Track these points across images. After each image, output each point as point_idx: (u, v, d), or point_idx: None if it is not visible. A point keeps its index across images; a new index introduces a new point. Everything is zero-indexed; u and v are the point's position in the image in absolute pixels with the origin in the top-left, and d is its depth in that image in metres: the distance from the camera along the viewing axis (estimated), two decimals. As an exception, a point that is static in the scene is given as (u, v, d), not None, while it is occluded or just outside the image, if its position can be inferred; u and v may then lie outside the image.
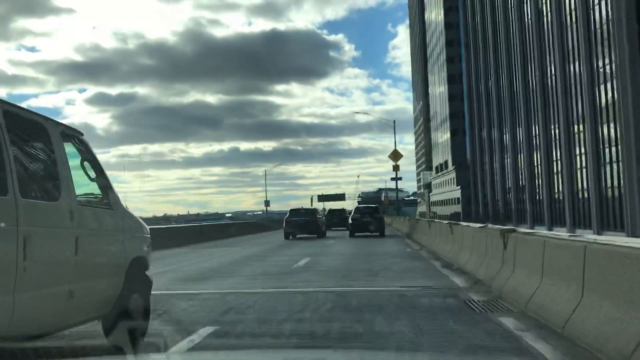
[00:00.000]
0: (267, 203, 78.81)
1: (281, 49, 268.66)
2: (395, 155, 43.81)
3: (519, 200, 58.89)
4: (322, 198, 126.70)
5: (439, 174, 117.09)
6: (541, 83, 50.06)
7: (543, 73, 49.62)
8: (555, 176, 47.78)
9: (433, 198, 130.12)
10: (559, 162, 46.80)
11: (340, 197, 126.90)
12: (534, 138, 53.21)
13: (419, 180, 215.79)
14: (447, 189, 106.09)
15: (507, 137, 61.69)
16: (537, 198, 52.75)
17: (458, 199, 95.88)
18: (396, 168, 44.17)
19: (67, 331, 5.56)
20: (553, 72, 47.00)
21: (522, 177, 57.16)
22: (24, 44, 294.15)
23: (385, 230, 31.66)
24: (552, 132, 48.14)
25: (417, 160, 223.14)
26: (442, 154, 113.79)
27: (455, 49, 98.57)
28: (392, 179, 47.71)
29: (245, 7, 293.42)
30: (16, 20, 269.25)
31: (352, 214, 32.93)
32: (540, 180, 51.42)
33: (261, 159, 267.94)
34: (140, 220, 6.57)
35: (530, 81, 53.71)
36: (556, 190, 48.10)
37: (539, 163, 51.78)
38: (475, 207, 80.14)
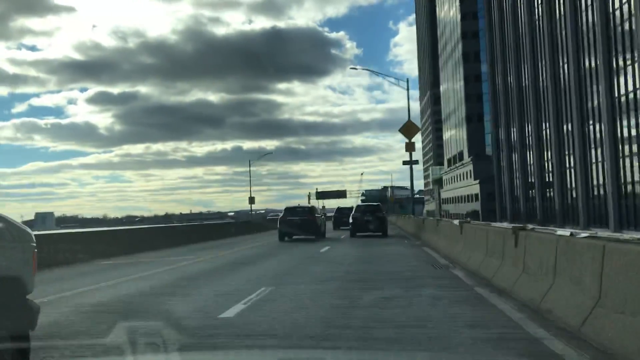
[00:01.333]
0: (251, 200, 66.59)
1: (282, 47, 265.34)
2: (409, 130, 31.52)
3: (565, 196, 46.49)
4: (321, 195, 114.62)
5: (452, 167, 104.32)
6: (607, 57, 37.64)
7: (608, 37, 37.21)
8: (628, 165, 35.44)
9: (444, 195, 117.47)
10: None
11: (341, 194, 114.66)
12: (589, 115, 40.74)
13: (426, 177, 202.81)
14: (462, 184, 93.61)
15: (549, 121, 49.11)
16: (595, 193, 40.37)
17: (476, 195, 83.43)
18: (410, 148, 31.86)
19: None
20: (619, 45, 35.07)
21: (571, 170, 44.72)
22: (24, 43, 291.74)
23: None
24: (618, 110, 35.87)
25: (424, 155, 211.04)
26: (455, 145, 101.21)
27: (471, 22, 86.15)
28: (405, 162, 34.96)
29: (246, 5, 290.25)
30: (16, 19, 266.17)
31: (352, 213, 30.71)
32: (602, 170, 39.04)
33: (264, 157, 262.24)
34: (17, 223, 4.71)
35: (585, 57, 41.34)
36: (624, 183, 35.83)
37: (598, 150, 39.45)
38: (501, 204, 67.65)
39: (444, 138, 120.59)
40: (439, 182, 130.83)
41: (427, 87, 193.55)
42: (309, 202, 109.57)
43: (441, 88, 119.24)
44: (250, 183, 65.34)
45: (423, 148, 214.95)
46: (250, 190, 67.15)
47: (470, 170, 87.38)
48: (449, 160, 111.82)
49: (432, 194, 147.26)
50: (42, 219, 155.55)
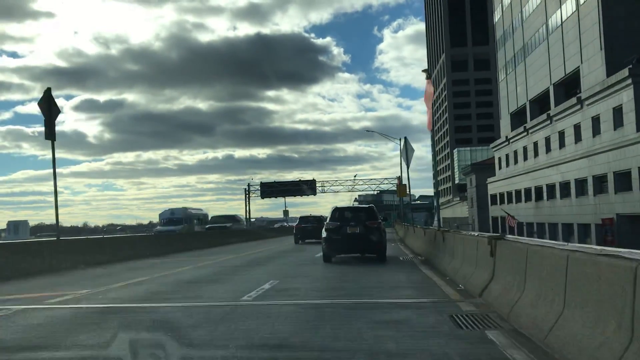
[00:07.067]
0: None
1: (269, 54, 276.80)
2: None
3: None
4: (267, 190, 60.98)
5: (537, 122, 49.62)
6: None
7: None
8: None
9: (495, 187, 63.50)
10: None
11: (305, 188, 61.24)
12: None
13: (437, 174, 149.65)
14: (579, 151, 39.83)
15: None
16: None
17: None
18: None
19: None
20: None
21: None
22: (5, 49, 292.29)
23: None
24: None
25: (436, 144, 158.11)
26: (545, 68, 47.24)
27: None
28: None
29: (229, 11, 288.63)
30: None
31: (327, 221, 20.13)
32: None
33: (256, 166, 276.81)
34: None
35: None
36: None
37: None
38: None
39: (500, 72, 65.85)
40: (477, 168, 77.54)
41: (441, 51, 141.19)
42: (246, 200, 62.68)
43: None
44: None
45: (437, 124, 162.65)
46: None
47: (629, 104, 33.65)
48: (513, 115, 58.06)
49: (460, 193, 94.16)
50: (15, 227, 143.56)
